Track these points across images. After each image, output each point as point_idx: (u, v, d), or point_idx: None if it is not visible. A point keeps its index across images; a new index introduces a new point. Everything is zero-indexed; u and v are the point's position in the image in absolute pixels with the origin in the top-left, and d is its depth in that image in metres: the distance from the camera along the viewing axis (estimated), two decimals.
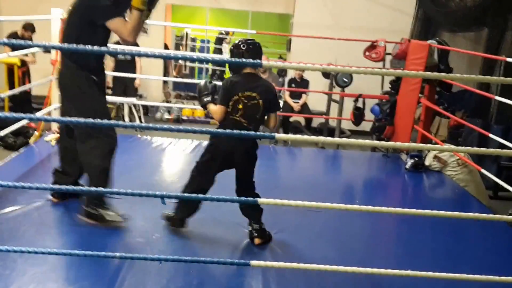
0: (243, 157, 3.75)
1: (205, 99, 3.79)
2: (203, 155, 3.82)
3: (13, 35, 8.37)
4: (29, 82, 8.61)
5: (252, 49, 3.69)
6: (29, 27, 8.37)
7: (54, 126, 5.89)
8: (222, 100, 3.68)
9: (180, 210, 3.85)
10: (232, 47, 3.76)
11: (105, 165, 3.80)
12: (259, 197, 3.68)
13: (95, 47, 2.61)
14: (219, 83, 3.82)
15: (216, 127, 3.72)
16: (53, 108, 5.80)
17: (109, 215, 3.81)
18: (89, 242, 3.59)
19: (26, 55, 8.14)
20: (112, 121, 3.42)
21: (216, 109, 3.71)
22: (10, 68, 8.50)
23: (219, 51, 13.69)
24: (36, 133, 5.95)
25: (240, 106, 3.63)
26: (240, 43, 3.72)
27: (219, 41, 13.95)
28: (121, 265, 3.25)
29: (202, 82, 3.87)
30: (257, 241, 3.80)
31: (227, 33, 13.72)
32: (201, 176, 3.78)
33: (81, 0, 3.72)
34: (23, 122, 5.73)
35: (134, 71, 9.05)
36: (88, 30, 3.70)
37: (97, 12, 3.65)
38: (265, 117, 3.84)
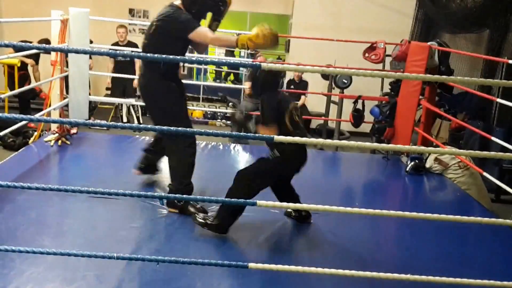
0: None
1: (251, 126, 3.85)
2: (263, 167, 3.83)
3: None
4: (29, 84, 8.61)
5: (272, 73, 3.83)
6: (45, 42, 8.37)
7: (54, 127, 5.87)
8: (274, 119, 3.71)
9: (225, 217, 3.78)
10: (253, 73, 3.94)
11: (193, 163, 4.25)
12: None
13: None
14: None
15: (277, 152, 3.72)
16: (53, 108, 5.79)
17: (191, 208, 4.07)
18: (88, 243, 3.58)
19: (27, 56, 8.16)
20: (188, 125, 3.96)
21: (271, 129, 3.69)
22: (11, 72, 8.51)
23: (231, 53, 13.60)
24: (35, 133, 5.94)
25: (296, 118, 3.77)
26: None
27: None
28: (119, 266, 3.24)
29: (237, 114, 4.04)
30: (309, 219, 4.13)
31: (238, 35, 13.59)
32: (255, 187, 3.75)
33: (164, 17, 4.05)
34: (23, 122, 5.72)
35: (133, 72, 9.05)
36: (169, 43, 4.05)
37: (180, 27, 4.01)
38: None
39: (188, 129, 2.95)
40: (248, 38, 3.93)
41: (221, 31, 9.47)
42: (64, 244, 3.54)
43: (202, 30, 4.02)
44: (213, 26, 4.19)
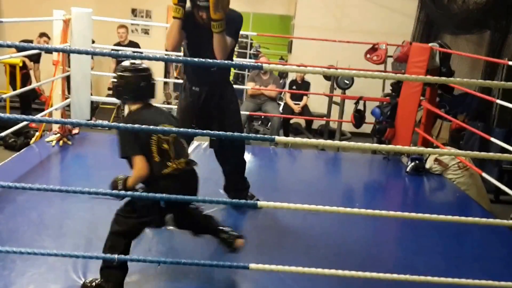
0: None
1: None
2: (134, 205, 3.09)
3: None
4: (30, 83, 8.61)
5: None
6: (44, 34, 8.38)
7: (55, 127, 5.88)
8: (135, 148, 2.95)
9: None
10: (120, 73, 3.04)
11: None
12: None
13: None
14: None
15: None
16: (54, 108, 5.80)
17: None
18: (89, 243, 3.59)
19: (27, 57, 8.17)
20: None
21: (137, 164, 2.96)
22: (12, 71, 8.52)
23: (243, 55, 13.52)
24: (37, 133, 5.95)
25: (165, 145, 2.97)
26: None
27: (244, 46, 13.66)
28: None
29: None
30: (239, 242, 3.41)
31: (246, 37, 13.53)
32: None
33: None
34: (25, 123, 5.73)
35: None
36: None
37: None
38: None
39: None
40: None
41: None
42: (65, 245, 3.54)
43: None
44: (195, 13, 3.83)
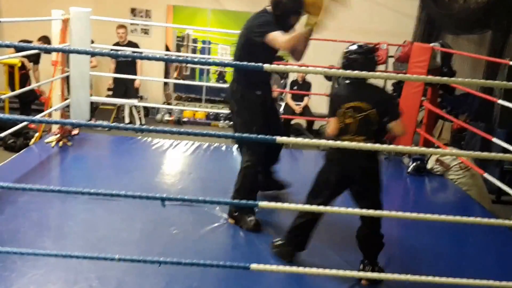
0: (359, 175, 3.42)
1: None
2: (317, 177, 3.55)
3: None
4: (30, 84, 8.59)
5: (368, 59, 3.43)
6: (44, 39, 8.38)
7: (55, 128, 5.87)
8: (331, 111, 3.40)
9: (290, 240, 3.61)
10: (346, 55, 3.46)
11: (250, 185, 4.07)
12: (379, 226, 3.43)
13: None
14: None
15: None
16: (54, 109, 5.78)
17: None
18: (89, 244, 3.58)
19: (26, 57, 8.15)
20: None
21: (330, 122, 3.43)
22: (11, 72, 8.51)
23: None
24: (36, 134, 5.93)
25: (349, 119, 3.31)
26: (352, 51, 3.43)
27: None
28: (120, 267, 3.24)
29: None
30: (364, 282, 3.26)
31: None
32: (315, 201, 3.36)
33: (247, 23, 4.00)
34: (24, 123, 5.72)
35: (134, 72, 9.03)
36: (250, 49, 3.92)
37: (257, 32, 3.84)
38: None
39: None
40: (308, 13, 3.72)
41: (220, 31, 9.60)
42: (66, 246, 3.54)
43: (274, 34, 3.75)
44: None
